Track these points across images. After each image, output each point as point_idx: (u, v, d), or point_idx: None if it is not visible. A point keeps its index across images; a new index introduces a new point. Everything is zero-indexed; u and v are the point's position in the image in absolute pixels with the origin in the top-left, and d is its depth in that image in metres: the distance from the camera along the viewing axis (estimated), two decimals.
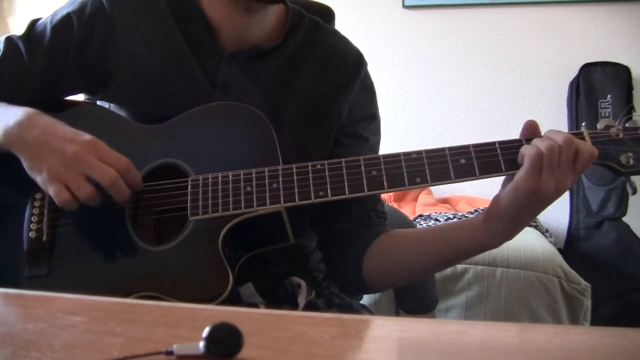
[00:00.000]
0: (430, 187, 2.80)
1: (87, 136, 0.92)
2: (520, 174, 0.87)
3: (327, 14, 1.20)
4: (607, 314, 2.50)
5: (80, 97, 1.14)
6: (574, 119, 2.85)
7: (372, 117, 1.15)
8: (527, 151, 0.87)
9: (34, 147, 0.92)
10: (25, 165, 0.93)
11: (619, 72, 2.81)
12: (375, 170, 0.92)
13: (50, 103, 1.03)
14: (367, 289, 1.13)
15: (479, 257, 2.03)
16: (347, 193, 0.92)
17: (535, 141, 0.89)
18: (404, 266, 1.04)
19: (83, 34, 1.04)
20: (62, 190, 0.90)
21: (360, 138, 1.12)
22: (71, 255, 0.96)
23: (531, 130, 0.92)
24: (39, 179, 0.92)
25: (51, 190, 0.90)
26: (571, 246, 2.82)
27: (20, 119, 0.94)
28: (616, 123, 0.92)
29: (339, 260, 1.09)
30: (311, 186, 0.92)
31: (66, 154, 0.90)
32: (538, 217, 2.64)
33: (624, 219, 2.74)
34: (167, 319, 0.64)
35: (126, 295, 0.90)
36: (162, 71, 1.05)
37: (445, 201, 2.90)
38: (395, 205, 2.67)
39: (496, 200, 0.91)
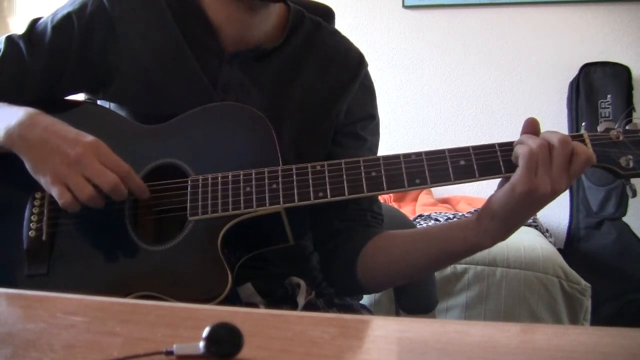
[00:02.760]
0: (430, 188, 2.80)
1: (89, 137, 0.92)
2: (517, 174, 0.87)
3: (327, 14, 1.20)
4: (607, 314, 2.50)
5: (80, 96, 1.14)
6: (574, 119, 2.86)
7: (370, 117, 1.15)
8: (520, 150, 0.87)
9: (37, 147, 0.92)
10: (28, 166, 0.93)
11: (619, 72, 2.81)
12: (375, 171, 0.92)
13: (50, 102, 1.03)
14: (362, 289, 1.13)
15: (479, 257, 2.03)
16: (346, 194, 0.92)
17: (526, 140, 0.88)
18: (398, 266, 1.04)
19: (84, 34, 1.04)
20: (64, 192, 0.90)
21: (358, 138, 1.12)
22: (71, 255, 0.96)
23: (532, 128, 0.92)
24: (43, 181, 0.92)
25: (54, 193, 0.90)
26: (571, 246, 2.82)
27: (22, 119, 0.94)
28: (616, 125, 0.91)
29: (334, 260, 1.09)
30: (311, 187, 0.92)
31: (69, 155, 0.89)
32: (538, 217, 2.65)
33: (624, 219, 2.74)
34: (167, 319, 0.64)
35: (125, 294, 0.90)
36: (162, 71, 1.05)
37: (445, 201, 2.90)
38: (395, 205, 2.67)
39: (490, 199, 0.91)
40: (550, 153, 0.86)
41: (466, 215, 2.54)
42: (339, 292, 1.14)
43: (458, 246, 0.97)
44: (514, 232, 0.93)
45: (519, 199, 0.87)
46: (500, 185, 0.92)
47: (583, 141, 0.90)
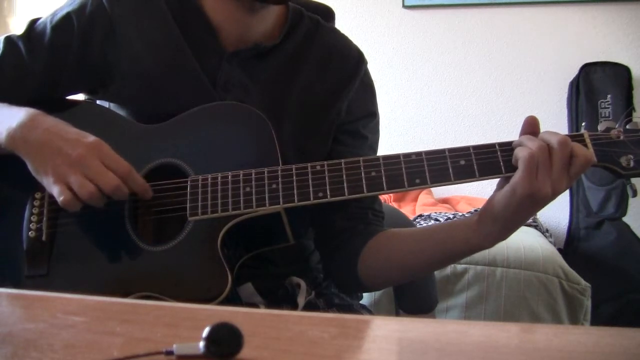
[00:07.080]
0: (430, 188, 2.80)
1: (91, 137, 0.92)
2: (517, 177, 0.87)
3: (327, 14, 1.20)
4: (607, 314, 2.50)
5: (80, 96, 1.14)
6: (574, 119, 2.86)
7: (371, 115, 1.15)
8: (520, 153, 0.87)
9: (38, 148, 0.92)
10: (30, 167, 0.93)
11: (619, 72, 2.81)
12: (375, 171, 0.92)
13: (51, 102, 1.03)
14: (363, 287, 1.13)
15: (479, 257, 2.03)
16: (346, 194, 0.91)
17: (526, 142, 0.88)
18: (399, 265, 1.04)
19: (83, 34, 1.04)
20: (64, 191, 0.89)
21: (359, 136, 1.12)
22: (71, 255, 0.96)
23: (531, 126, 0.91)
24: (45, 181, 0.92)
25: (54, 192, 0.90)
26: (571, 246, 2.82)
27: (23, 120, 0.94)
28: (617, 125, 0.91)
29: (336, 259, 1.09)
30: (310, 187, 0.92)
31: (70, 156, 0.89)
32: (538, 217, 2.65)
33: (624, 219, 2.74)
34: (167, 319, 0.64)
35: (125, 295, 0.90)
36: (162, 71, 1.05)
37: (445, 201, 2.90)
38: (395, 205, 2.67)
39: (491, 201, 0.91)
40: (550, 155, 0.86)
41: (466, 215, 2.54)
42: (340, 289, 1.14)
43: (459, 247, 0.97)
44: (513, 232, 0.93)
45: (520, 202, 0.87)
46: (500, 186, 0.91)
47: (583, 141, 0.90)
